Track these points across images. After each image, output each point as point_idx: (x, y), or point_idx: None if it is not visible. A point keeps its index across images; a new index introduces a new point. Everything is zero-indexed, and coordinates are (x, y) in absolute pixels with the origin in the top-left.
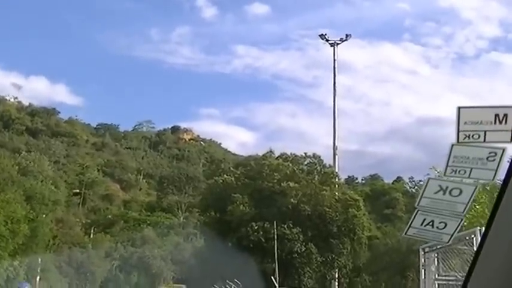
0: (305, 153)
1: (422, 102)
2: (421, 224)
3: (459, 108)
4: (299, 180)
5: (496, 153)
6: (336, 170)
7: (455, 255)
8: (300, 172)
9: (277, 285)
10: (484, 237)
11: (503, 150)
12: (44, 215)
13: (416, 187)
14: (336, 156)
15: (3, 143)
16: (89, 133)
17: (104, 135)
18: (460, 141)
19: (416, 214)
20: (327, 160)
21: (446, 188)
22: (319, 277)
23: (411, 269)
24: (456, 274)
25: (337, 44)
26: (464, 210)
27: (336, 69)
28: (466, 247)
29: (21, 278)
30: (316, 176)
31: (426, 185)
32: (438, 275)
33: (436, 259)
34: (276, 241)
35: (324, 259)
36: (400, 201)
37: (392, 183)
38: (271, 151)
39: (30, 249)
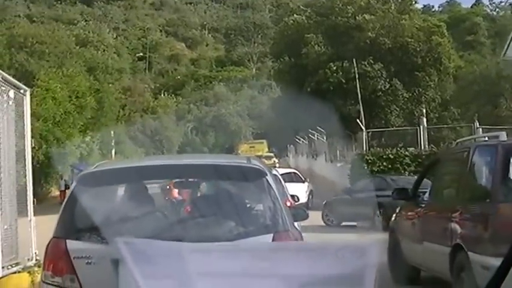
0: None
1: None
2: None
3: None
4: (375, 12)
5: None
6: None
7: None
8: (375, 2)
9: (363, 127)
10: None
11: None
12: (109, 85)
13: (497, 9)
14: None
15: (57, 16)
16: None
17: None
18: None
19: None
20: None
21: None
22: (407, 114)
23: (503, 96)
24: None
25: None
26: None
27: None
28: None
29: (96, 154)
30: (393, 5)
31: None
32: None
33: None
34: (357, 80)
35: (410, 94)
36: (482, 26)
37: (471, 7)
38: None
39: (100, 123)
